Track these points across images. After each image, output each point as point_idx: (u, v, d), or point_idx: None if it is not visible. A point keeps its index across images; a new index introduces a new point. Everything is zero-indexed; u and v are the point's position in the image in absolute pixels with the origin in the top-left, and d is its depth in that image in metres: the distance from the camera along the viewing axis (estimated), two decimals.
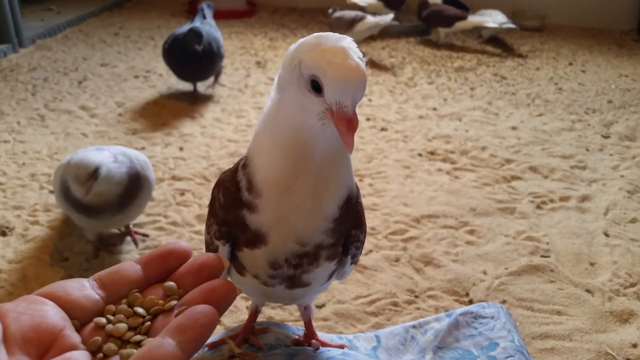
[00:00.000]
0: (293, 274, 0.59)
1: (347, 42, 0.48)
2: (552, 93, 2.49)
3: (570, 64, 2.92)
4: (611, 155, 1.89)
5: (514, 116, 2.20)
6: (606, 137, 2.04)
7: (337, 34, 0.49)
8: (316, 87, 0.47)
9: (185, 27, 2.18)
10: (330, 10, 3.00)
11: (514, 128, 2.08)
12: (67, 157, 1.19)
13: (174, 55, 2.14)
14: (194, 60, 2.10)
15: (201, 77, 2.25)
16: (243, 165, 0.56)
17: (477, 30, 3.28)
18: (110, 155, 1.15)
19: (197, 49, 2.08)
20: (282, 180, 0.54)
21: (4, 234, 1.36)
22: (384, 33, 3.28)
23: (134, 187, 1.19)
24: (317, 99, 0.47)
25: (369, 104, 2.29)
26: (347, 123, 0.46)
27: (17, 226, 1.39)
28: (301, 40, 0.50)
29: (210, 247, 0.61)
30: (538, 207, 1.56)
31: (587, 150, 1.92)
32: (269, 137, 0.54)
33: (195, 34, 2.10)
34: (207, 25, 2.25)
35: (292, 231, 0.56)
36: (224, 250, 0.59)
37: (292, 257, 0.58)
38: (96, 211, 1.16)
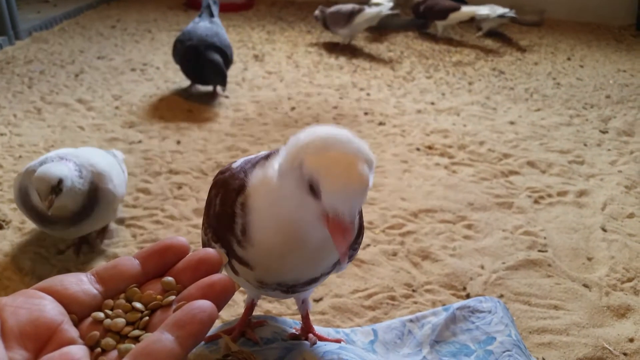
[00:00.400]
0: (287, 290, 0.60)
1: (354, 147, 0.46)
2: (550, 88, 2.49)
3: (569, 59, 2.91)
4: (609, 150, 1.89)
5: (512, 111, 2.20)
6: (604, 132, 2.04)
7: (346, 137, 0.46)
8: (315, 191, 0.45)
9: (198, 29, 2.12)
10: (316, 12, 2.93)
11: (512, 123, 2.08)
12: (28, 164, 1.17)
13: (188, 63, 2.11)
14: (208, 72, 2.09)
15: (213, 84, 2.22)
16: (242, 203, 0.54)
17: (476, 24, 3.27)
18: (75, 168, 1.12)
19: (222, 90, 2.16)
20: (277, 250, 0.53)
21: (0, 227, 1.35)
22: (383, 27, 3.27)
23: (91, 203, 1.16)
24: (315, 202, 0.45)
25: (367, 98, 2.28)
26: (342, 233, 0.44)
27: (14, 219, 1.38)
28: (308, 136, 0.47)
29: (207, 245, 0.61)
30: (536, 201, 1.56)
31: (585, 145, 1.92)
32: (269, 204, 0.52)
33: (218, 71, 2.06)
34: (216, 26, 2.21)
35: (283, 276, 0.56)
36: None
37: (284, 285, 0.58)
38: (49, 222, 1.14)
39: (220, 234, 0.57)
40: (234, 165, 0.60)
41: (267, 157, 0.55)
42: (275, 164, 0.52)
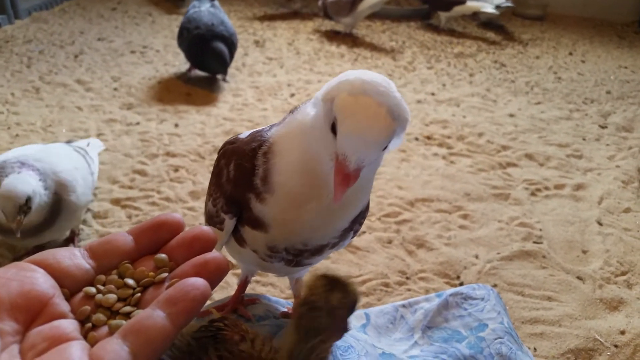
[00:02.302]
0: (293, 259, 0.59)
1: (388, 99, 0.45)
2: (551, 82, 2.48)
3: (570, 53, 2.90)
4: (607, 145, 1.89)
5: (512, 103, 2.19)
6: (603, 127, 2.03)
7: (386, 88, 0.45)
8: (335, 130, 0.46)
9: (203, 17, 2.09)
10: (319, 3, 2.91)
11: (511, 115, 2.07)
12: None
13: (194, 50, 2.09)
14: (212, 62, 2.08)
15: (215, 72, 2.20)
16: (265, 152, 0.54)
17: (477, 16, 3.26)
18: (39, 178, 1.01)
19: (222, 78, 2.13)
20: (297, 196, 0.52)
21: None
22: (385, 16, 3.26)
23: (53, 215, 1.07)
24: (332, 141, 0.46)
25: None
26: (343, 176, 0.44)
27: None
28: (351, 75, 0.46)
29: (215, 218, 0.60)
30: (532, 194, 1.55)
31: (584, 139, 1.92)
32: (297, 143, 0.52)
33: (222, 61, 2.05)
34: (219, 12, 2.17)
35: (296, 235, 0.56)
36: (229, 223, 0.58)
37: (293, 250, 0.58)
38: (5, 232, 1.05)
39: (235, 197, 0.57)
40: (241, 136, 0.60)
41: (292, 110, 0.55)
42: (306, 108, 0.52)
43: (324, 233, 0.57)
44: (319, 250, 0.59)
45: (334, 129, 0.45)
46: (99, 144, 1.45)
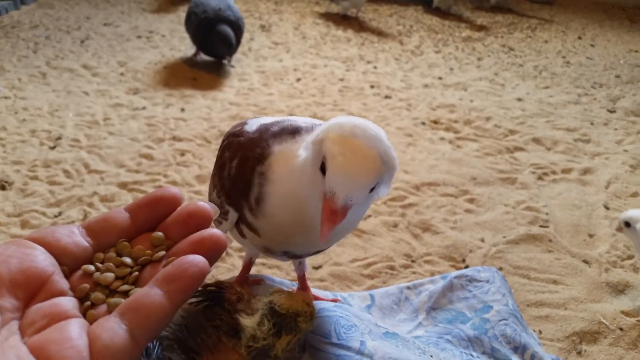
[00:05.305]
0: (291, 257, 0.61)
1: (377, 145, 0.45)
2: (559, 66, 2.45)
3: (580, 37, 2.87)
4: (616, 129, 1.88)
5: (520, 88, 2.18)
6: (612, 111, 2.02)
7: (376, 133, 0.46)
8: (324, 169, 0.46)
9: (209, 1, 2.09)
10: None
11: (519, 99, 2.06)
12: None
13: (201, 35, 2.08)
14: (219, 46, 2.06)
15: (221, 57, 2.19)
16: (261, 172, 0.54)
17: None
18: None
19: (228, 62, 2.12)
20: (286, 227, 0.54)
21: (3, 188, 1.36)
22: (393, 0, 3.23)
23: None
24: (321, 181, 0.46)
25: (374, 71, 2.26)
26: (330, 213, 0.44)
27: (17, 181, 1.39)
28: (341, 119, 0.48)
29: (220, 208, 0.60)
30: (539, 178, 1.55)
31: (592, 124, 1.90)
32: (289, 179, 0.52)
33: (228, 46, 2.04)
34: None
35: (289, 247, 0.58)
36: (233, 215, 0.59)
37: (289, 253, 0.59)
38: None
39: (233, 197, 0.57)
40: (247, 129, 0.59)
41: (295, 131, 0.55)
42: (303, 141, 0.52)
43: (319, 247, 0.60)
44: (316, 252, 0.61)
45: (323, 169, 0.46)
46: None
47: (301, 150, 0.51)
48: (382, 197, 0.50)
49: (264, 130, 0.57)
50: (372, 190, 0.46)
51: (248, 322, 0.48)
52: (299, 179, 0.50)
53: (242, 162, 0.56)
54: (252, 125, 0.59)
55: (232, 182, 0.57)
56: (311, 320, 0.49)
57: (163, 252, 0.38)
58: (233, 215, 0.58)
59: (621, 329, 1.04)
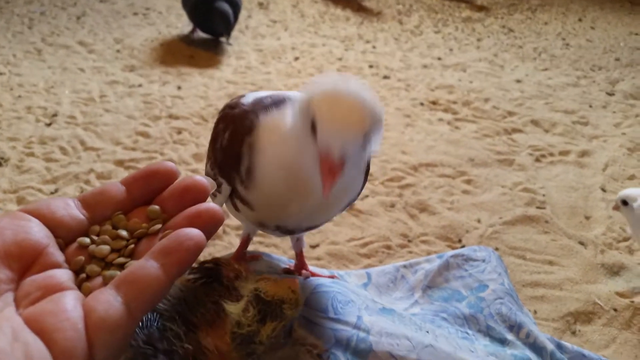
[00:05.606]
0: (286, 233, 0.60)
1: (361, 96, 0.46)
2: (559, 48, 2.44)
3: (580, 19, 2.85)
4: (614, 112, 1.87)
5: (519, 69, 2.17)
6: (611, 94, 2.01)
7: (357, 86, 0.47)
8: (315, 129, 0.47)
9: None
10: None
11: (518, 81, 2.05)
12: None
13: (198, 11, 2.06)
14: (217, 23, 2.04)
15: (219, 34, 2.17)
16: (250, 143, 0.54)
17: None
18: None
19: (226, 40, 2.10)
20: (278, 197, 0.54)
21: None
22: None
23: None
24: (313, 142, 0.47)
25: (373, 50, 2.24)
26: (329, 168, 0.45)
27: (13, 157, 1.38)
28: (322, 79, 0.49)
29: (214, 180, 0.60)
30: (537, 160, 1.55)
31: (590, 106, 1.90)
32: (277, 146, 0.52)
33: (226, 23, 2.02)
34: None
35: (283, 221, 0.57)
36: (226, 189, 0.58)
37: (284, 228, 0.59)
38: None
39: (225, 170, 0.57)
40: (243, 101, 0.59)
41: (280, 102, 0.55)
42: (289, 109, 0.53)
43: (314, 222, 0.59)
44: (311, 228, 0.60)
45: (313, 128, 0.46)
46: None
47: (287, 117, 0.52)
48: (374, 154, 0.51)
49: (256, 103, 0.57)
50: (363, 147, 0.47)
51: (233, 308, 0.48)
52: (290, 144, 0.50)
53: (232, 135, 0.56)
54: (249, 98, 0.59)
55: (223, 154, 0.57)
56: (296, 307, 0.49)
57: (159, 226, 0.38)
58: (226, 188, 0.58)
59: (615, 310, 1.05)
